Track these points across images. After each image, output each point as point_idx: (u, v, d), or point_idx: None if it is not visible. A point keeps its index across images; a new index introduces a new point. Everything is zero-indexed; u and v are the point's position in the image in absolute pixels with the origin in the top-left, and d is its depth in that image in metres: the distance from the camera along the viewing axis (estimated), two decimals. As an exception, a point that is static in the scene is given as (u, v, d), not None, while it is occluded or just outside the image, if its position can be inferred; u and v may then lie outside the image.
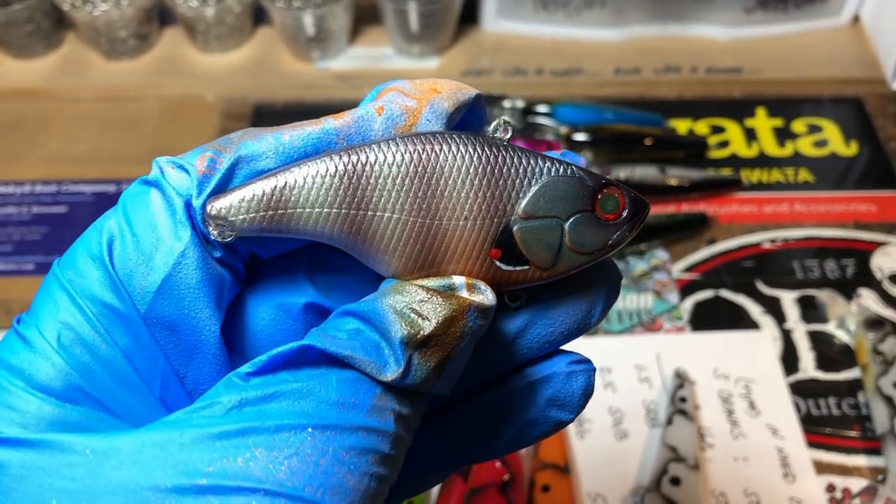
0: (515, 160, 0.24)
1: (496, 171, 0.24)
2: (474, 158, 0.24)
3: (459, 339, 0.22)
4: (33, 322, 0.22)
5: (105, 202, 0.73)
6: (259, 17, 0.87)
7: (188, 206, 0.22)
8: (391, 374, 0.22)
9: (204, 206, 0.23)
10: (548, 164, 0.24)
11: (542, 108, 0.77)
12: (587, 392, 0.26)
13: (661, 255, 0.69)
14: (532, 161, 0.24)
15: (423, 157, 0.23)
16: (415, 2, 0.79)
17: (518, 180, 0.24)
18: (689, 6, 0.85)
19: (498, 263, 0.24)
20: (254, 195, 0.22)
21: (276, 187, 0.23)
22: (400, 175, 0.23)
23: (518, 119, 0.77)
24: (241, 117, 0.80)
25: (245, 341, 0.25)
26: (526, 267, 0.24)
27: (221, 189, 0.23)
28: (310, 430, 0.20)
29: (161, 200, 0.23)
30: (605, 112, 0.78)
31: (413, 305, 0.22)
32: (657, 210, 0.72)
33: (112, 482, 0.19)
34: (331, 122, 0.24)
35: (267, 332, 0.25)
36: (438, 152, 0.24)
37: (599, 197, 0.25)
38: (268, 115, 0.80)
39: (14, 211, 0.73)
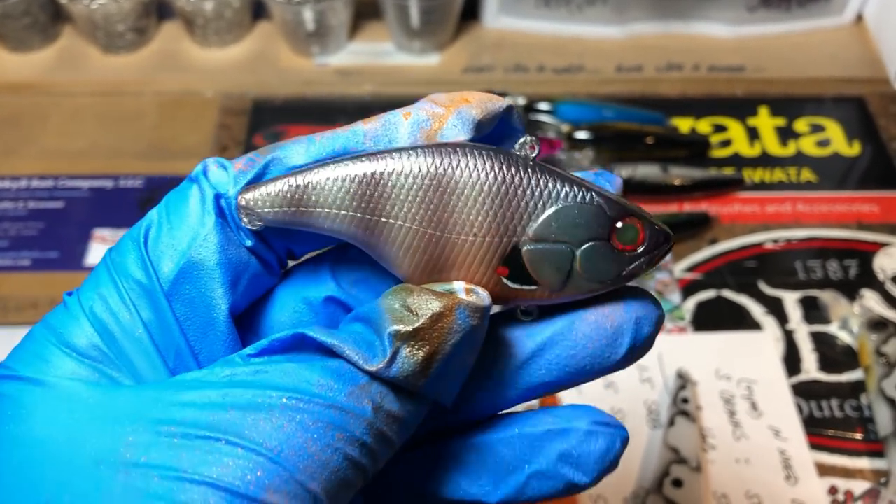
0: (533, 181, 0.24)
1: (510, 190, 0.24)
2: (490, 176, 0.24)
3: (448, 336, 0.23)
4: (77, 292, 0.25)
5: (102, 197, 0.73)
6: (258, 11, 0.86)
7: (218, 198, 0.25)
8: (377, 363, 0.22)
9: (237, 196, 0.25)
10: (566, 187, 0.24)
11: (543, 106, 0.77)
12: (607, 457, 0.26)
13: (662, 254, 0.68)
14: (550, 183, 0.24)
15: (440, 170, 0.24)
16: (416, -3, 0.78)
17: (532, 202, 0.24)
18: (691, 4, 0.85)
19: (505, 281, 0.25)
20: (278, 191, 0.24)
21: (298, 185, 0.24)
22: (414, 186, 0.24)
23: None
24: (240, 113, 0.79)
25: (269, 331, 0.27)
26: (534, 287, 0.25)
27: (254, 183, 0.25)
28: (284, 399, 0.21)
29: (198, 193, 0.25)
30: (606, 110, 0.77)
31: (406, 302, 0.23)
32: (659, 209, 0.71)
33: (104, 418, 0.22)
34: (359, 126, 0.25)
35: (289, 324, 0.27)
36: (455, 167, 0.24)
37: (619, 226, 0.24)
38: (267, 110, 0.80)
39: (10, 206, 0.72)
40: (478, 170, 0.24)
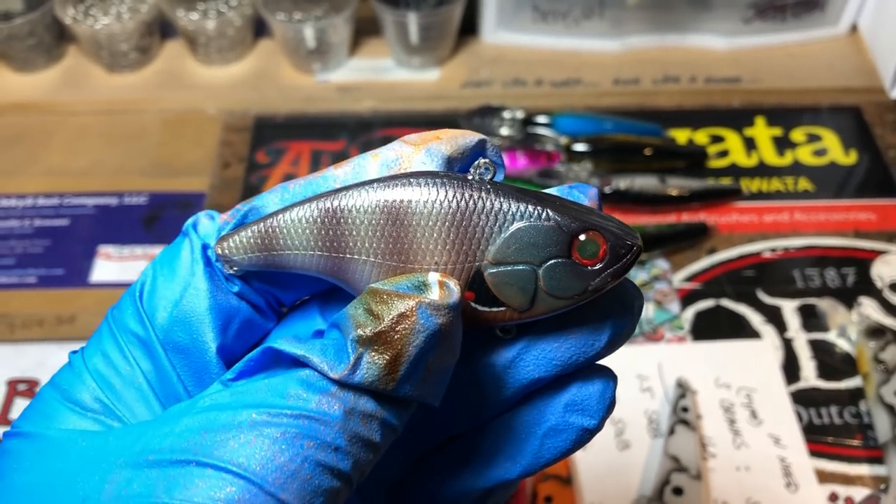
0: (487, 204, 0.24)
1: (465, 215, 0.24)
2: (444, 203, 0.24)
3: (411, 337, 0.22)
4: (82, 350, 0.26)
5: (107, 215, 0.74)
6: (260, 29, 0.88)
7: (205, 248, 0.26)
8: (340, 371, 0.22)
9: (214, 245, 0.26)
10: (521, 207, 0.24)
11: (541, 119, 0.78)
12: (606, 395, 0.26)
13: (661, 264, 0.69)
14: (505, 204, 0.24)
15: (394, 201, 0.24)
16: (415, 14, 0.79)
17: (488, 226, 0.24)
18: (687, 16, 0.86)
19: (474, 305, 0.25)
20: (249, 237, 0.25)
21: (266, 230, 0.25)
22: (372, 221, 0.24)
23: (518, 130, 0.78)
24: (242, 130, 0.80)
25: None
26: (503, 308, 0.25)
27: (231, 231, 0.26)
28: (253, 415, 0.22)
29: (188, 245, 0.26)
30: (604, 122, 0.78)
31: (370, 306, 0.23)
32: (657, 220, 0.72)
33: (95, 459, 0.23)
34: (331, 171, 0.26)
35: None
36: (410, 198, 0.24)
37: (581, 238, 0.24)
38: (269, 127, 0.81)
39: (16, 224, 0.73)
40: (430, 198, 0.24)
